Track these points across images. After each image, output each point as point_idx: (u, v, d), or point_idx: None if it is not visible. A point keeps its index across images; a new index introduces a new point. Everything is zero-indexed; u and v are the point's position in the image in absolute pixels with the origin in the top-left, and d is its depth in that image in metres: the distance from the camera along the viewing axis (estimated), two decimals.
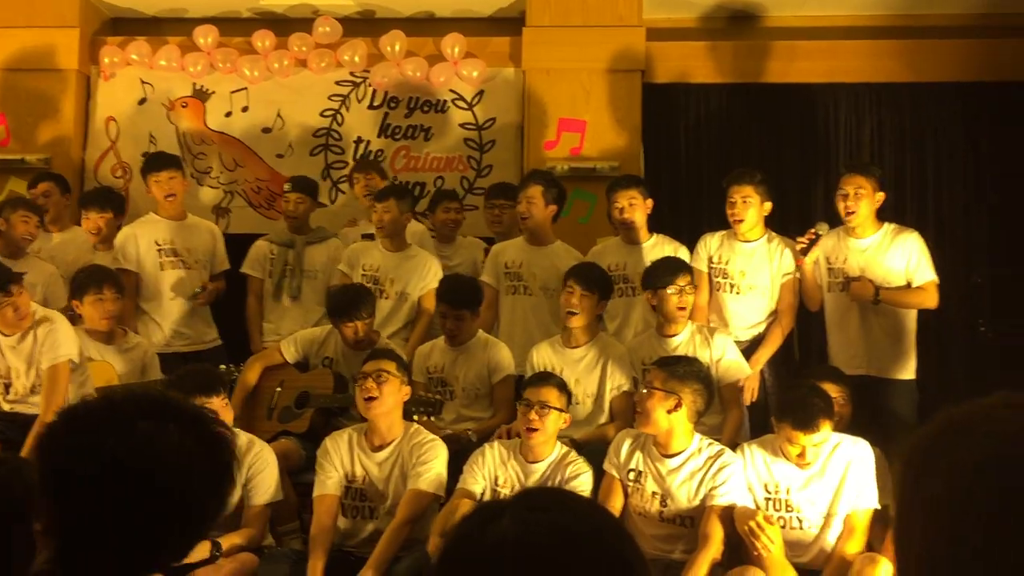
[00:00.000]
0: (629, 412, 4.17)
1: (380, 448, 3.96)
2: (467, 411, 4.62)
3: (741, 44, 6.21)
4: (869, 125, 6.15)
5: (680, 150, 6.26)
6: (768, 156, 5.98)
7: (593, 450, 4.06)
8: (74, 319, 4.61)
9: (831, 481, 3.67)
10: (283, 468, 4.27)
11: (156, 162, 5.36)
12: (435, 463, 3.88)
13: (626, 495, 3.83)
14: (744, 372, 4.46)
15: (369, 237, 5.40)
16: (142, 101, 6.38)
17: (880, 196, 4.59)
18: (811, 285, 4.68)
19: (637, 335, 4.71)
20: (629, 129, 6.04)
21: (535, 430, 3.82)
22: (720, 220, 4.86)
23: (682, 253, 4.81)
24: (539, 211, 4.89)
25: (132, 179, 6.21)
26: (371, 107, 6.30)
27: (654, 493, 3.77)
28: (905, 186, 6.03)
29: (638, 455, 3.83)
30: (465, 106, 6.27)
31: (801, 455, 3.63)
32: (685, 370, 3.78)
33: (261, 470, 3.93)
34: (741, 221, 4.67)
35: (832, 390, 3.92)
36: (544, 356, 4.48)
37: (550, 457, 3.90)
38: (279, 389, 4.66)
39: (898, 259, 4.55)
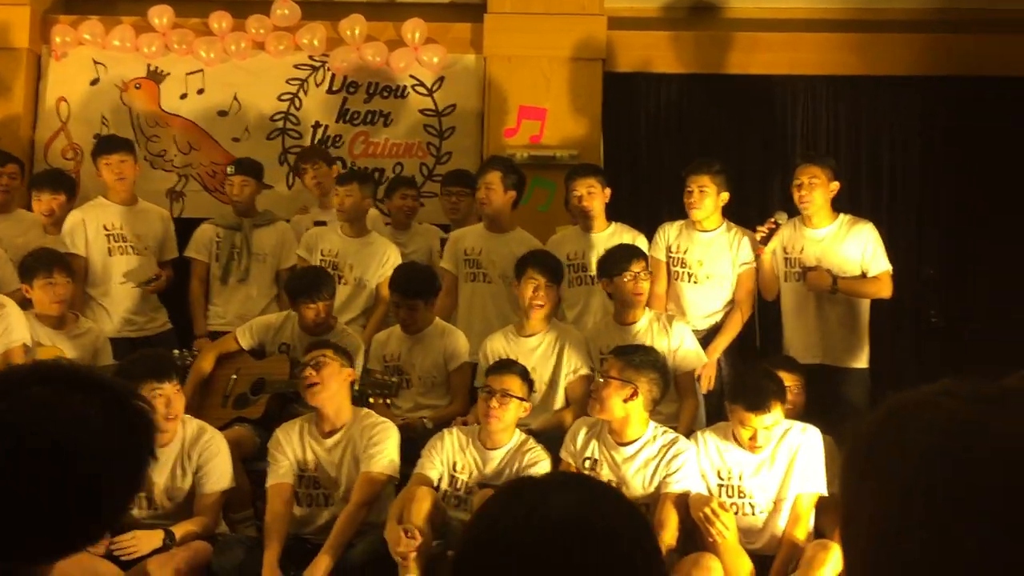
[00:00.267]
0: (585, 397, 4.19)
1: (330, 434, 3.94)
2: (424, 399, 4.60)
3: (703, 35, 6.23)
4: (826, 118, 6.21)
5: (640, 140, 6.28)
6: (728, 147, 6.01)
7: (550, 437, 4.07)
8: (24, 304, 4.51)
9: (780, 466, 3.72)
10: (237, 455, 4.22)
11: (107, 145, 5.26)
12: (386, 445, 3.87)
13: None
14: (701, 361, 4.50)
15: (321, 224, 5.36)
16: (94, 82, 6.25)
17: (835, 186, 4.65)
18: (768, 275, 4.74)
19: (596, 324, 4.72)
20: (589, 118, 6.04)
21: (495, 418, 3.82)
22: (679, 210, 4.88)
23: (640, 242, 4.83)
24: (498, 197, 4.88)
25: (83, 161, 6.08)
26: (330, 91, 6.23)
27: (609, 481, 3.78)
28: (860, 178, 6.10)
29: (594, 443, 3.85)
30: (425, 92, 6.22)
31: (753, 438, 3.67)
32: (641, 359, 3.80)
33: (212, 457, 3.89)
34: (698, 210, 4.70)
35: (787, 379, 3.97)
36: (498, 346, 4.47)
37: (508, 444, 3.91)
38: (235, 376, 4.61)
39: (853, 249, 4.61)
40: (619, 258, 4.43)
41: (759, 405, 3.62)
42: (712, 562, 3.51)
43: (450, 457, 3.93)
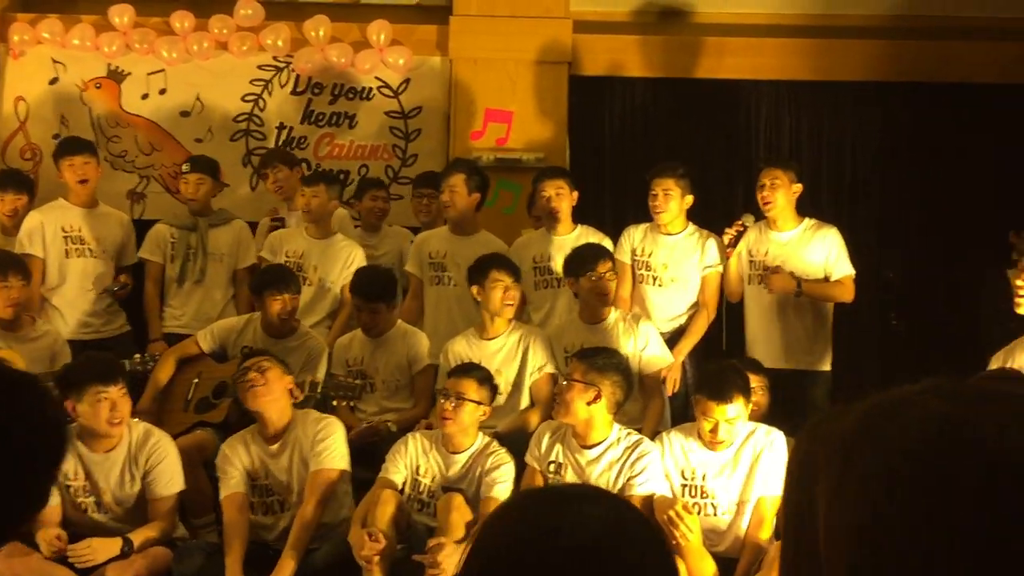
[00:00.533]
0: (551, 397, 4.18)
1: (275, 439, 3.91)
2: (388, 402, 4.58)
3: (671, 39, 6.26)
4: (788, 122, 6.27)
5: (605, 143, 6.30)
6: (693, 150, 6.03)
7: (515, 440, 4.06)
8: None
9: (744, 468, 3.74)
10: (199, 459, 4.18)
11: (71, 146, 5.17)
12: (333, 440, 3.86)
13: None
14: (667, 362, 4.52)
15: (279, 222, 5.32)
16: (53, 81, 6.14)
17: (797, 188, 4.71)
18: (734, 277, 4.78)
19: (562, 322, 4.72)
20: (555, 121, 6.04)
21: (450, 420, 3.82)
22: (644, 213, 4.90)
23: (606, 245, 4.84)
24: (462, 200, 4.86)
25: (42, 162, 5.98)
26: (294, 93, 6.18)
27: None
28: (822, 182, 6.16)
29: (558, 447, 3.85)
30: (391, 94, 6.19)
31: (714, 431, 3.67)
32: (604, 362, 3.80)
33: (160, 460, 3.84)
34: (662, 213, 4.73)
35: (751, 379, 3.98)
36: (460, 350, 4.45)
37: (471, 448, 3.90)
38: (196, 380, 4.55)
39: (817, 253, 4.66)
40: (586, 258, 4.44)
41: (722, 394, 3.63)
42: (676, 564, 3.50)
43: (414, 461, 3.91)
